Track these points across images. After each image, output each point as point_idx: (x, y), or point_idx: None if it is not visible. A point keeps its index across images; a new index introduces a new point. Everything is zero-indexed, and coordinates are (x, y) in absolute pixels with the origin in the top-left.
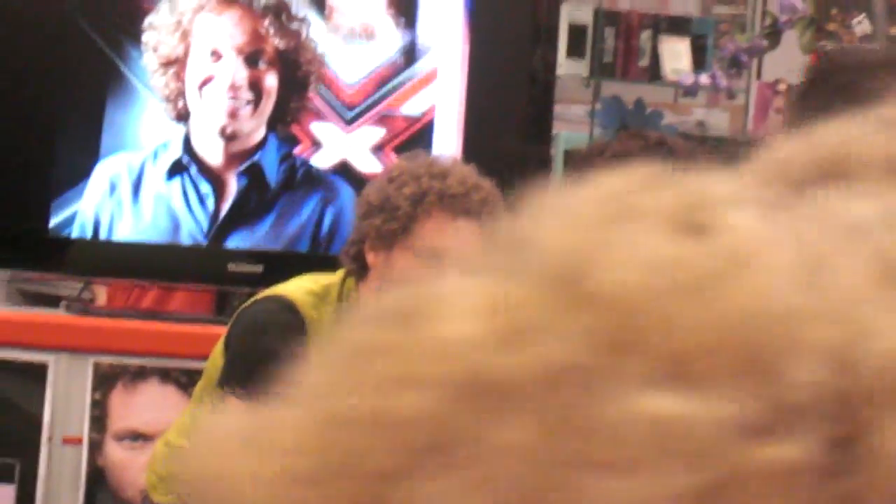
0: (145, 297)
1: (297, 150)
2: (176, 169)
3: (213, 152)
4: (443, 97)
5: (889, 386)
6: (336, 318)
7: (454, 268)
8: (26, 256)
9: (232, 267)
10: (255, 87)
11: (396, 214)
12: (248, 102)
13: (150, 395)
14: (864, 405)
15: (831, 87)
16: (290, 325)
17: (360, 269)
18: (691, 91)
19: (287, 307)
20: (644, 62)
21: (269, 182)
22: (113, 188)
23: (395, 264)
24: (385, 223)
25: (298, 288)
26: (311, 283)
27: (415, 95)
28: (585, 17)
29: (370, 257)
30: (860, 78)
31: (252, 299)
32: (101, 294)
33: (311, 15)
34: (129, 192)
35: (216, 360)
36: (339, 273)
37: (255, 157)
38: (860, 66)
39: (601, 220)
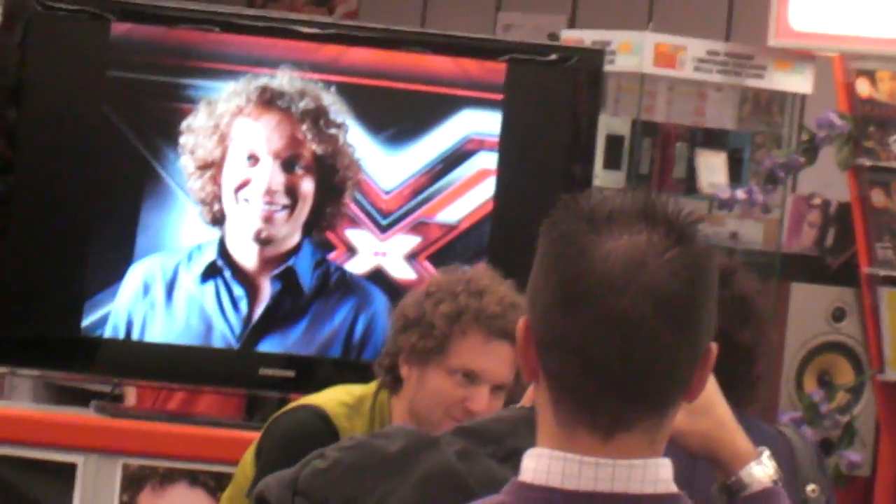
0: (173, 399)
1: (331, 256)
2: (210, 272)
3: (247, 256)
4: (477, 206)
5: None
6: (368, 430)
7: None
8: (58, 356)
9: (263, 371)
10: (292, 192)
11: (432, 332)
12: (284, 207)
13: (178, 498)
14: None
15: None
16: (322, 436)
17: (394, 382)
18: (727, 205)
19: (320, 417)
20: (680, 174)
21: (302, 287)
22: (146, 289)
23: (428, 380)
24: (420, 340)
25: (331, 399)
26: (345, 394)
27: (451, 204)
28: (623, 127)
29: (404, 371)
30: None
31: (284, 408)
32: (131, 393)
33: (349, 120)
34: (163, 294)
35: (246, 468)
36: (373, 385)
37: (290, 262)
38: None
39: None
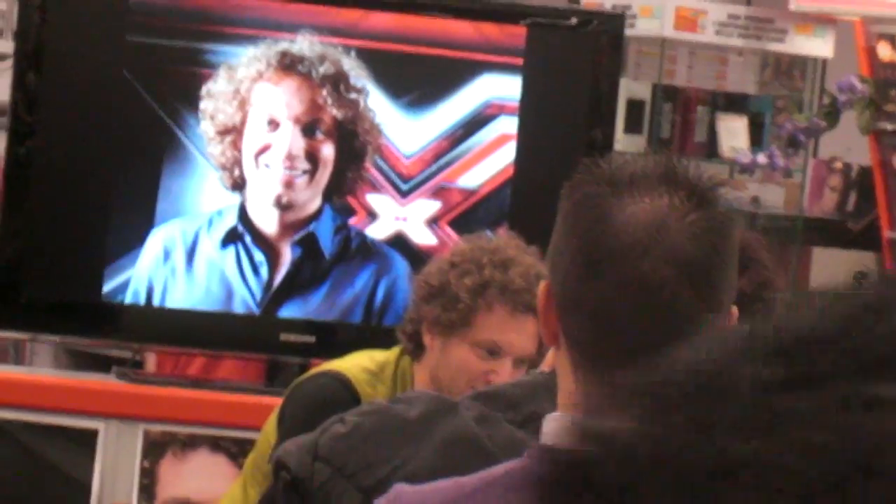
0: (192, 364)
1: (352, 221)
2: (230, 237)
3: (268, 221)
4: (498, 171)
5: None
6: (390, 396)
7: None
8: (78, 322)
9: (284, 336)
10: (312, 157)
11: (456, 305)
12: (305, 172)
13: (199, 463)
14: None
15: None
16: (345, 402)
17: (416, 349)
18: (748, 169)
19: (342, 383)
20: (701, 138)
21: (323, 252)
22: (167, 255)
23: (451, 351)
24: (444, 312)
25: (354, 364)
26: (367, 359)
27: (471, 168)
28: (644, 92)
29: (427, 339)
30: None
31: (307, 374)
32: (150, 359)
33: (369, 85)
34: (183, 260)
35: (269, 433)
36: (395, 350)
37: (310, 228)
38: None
39: None
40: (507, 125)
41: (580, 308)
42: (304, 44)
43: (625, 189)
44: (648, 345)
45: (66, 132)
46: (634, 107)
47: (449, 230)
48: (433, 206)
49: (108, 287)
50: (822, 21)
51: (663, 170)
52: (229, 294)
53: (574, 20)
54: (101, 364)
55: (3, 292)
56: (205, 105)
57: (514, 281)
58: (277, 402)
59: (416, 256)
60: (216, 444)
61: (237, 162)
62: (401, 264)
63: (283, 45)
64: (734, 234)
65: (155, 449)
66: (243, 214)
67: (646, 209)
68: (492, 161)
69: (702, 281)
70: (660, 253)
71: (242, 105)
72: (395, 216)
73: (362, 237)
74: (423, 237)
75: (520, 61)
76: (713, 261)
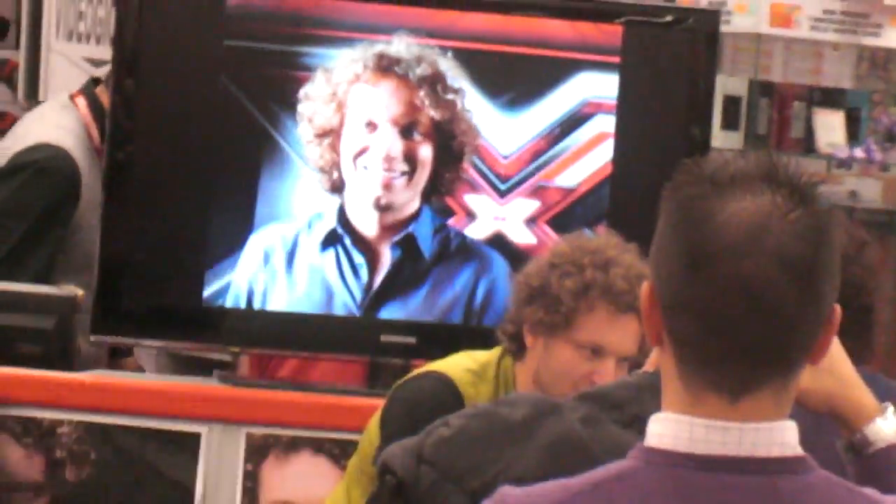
0: (284, 366)
1: (451, 222)
2: (330, 240)
3: (367, 223)
4: (596, 169)
5: None
6: (493, 396)
7: None
8: (180, 327)
9: (385, 338)
10: (410, 158)
11: (558, 308)
12: (403, 174)
13: (302, 466)
14: None
15: None
16: (448, 403)
17: (518, 350)
18: (845, 164)
19: (445, 384)
20: (798, 133)
21: (423, 253)
22: (267, 258)
23: (554, 352)
24: (547, 314)
25: (456, 365)
26: (469, 360)
27: (569, 167)
28: (740, 88)
29: (529, 340)
30: None
31: (409, 375)
32: (244, 363)
33: (466, 85)
34: (283, 263)
35: (371, 435)
36: (496, 350)
37: (410, 229)
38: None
39: None
40: (605, 123)
41: (685, 308)
42: (400, 45)
43: (727, 188)
44: (755, 343)
45: (165, 137)
46: (731, 103)
47: (548, 229)
48: (532, 206)
49: (208, 291)
50: None
51: (765, 168)
52: (330, 296)
53: (670, 17)
54: (202, 367)
55: (104, 298)
56: (303, 108)
57: (615, 282)
58: (379, 403)
59: (516, 256)
60: (319, 447)
61: (336, 164)
62: (500, 264)
63: (380, 47)
64: (836, 231)
65: (257, 452)
66: (342, 216)
67: (748, 208)
68: (590, 159)
69: (805, 279)
70: (764, 252)
71: (340, 107)
72: (494, 216)
73: (462, 238)
74: (522, 237)
75: (616, 59)
76: (817, 258)
